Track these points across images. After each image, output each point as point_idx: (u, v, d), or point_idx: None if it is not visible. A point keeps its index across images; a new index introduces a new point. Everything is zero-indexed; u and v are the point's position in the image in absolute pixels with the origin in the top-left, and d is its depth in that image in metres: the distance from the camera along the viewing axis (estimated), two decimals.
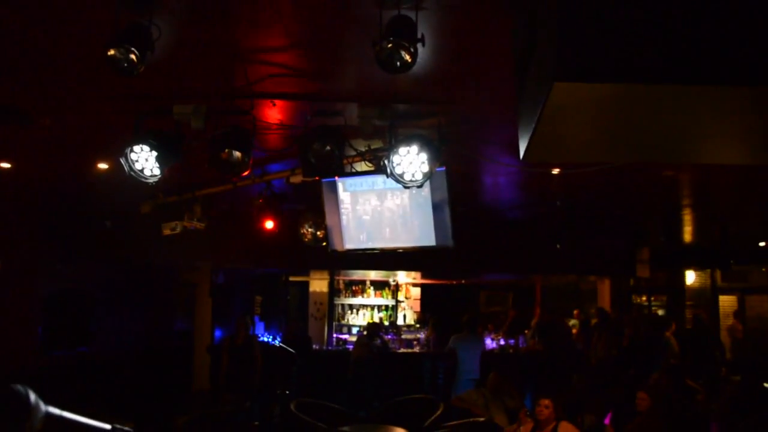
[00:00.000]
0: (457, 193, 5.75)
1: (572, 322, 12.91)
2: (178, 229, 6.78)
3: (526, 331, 12.63)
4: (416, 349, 12.38)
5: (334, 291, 14.24)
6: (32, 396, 1.23)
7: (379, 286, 14.60)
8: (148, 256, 10.68)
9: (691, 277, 14.19)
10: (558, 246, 9.90)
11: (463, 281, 15.81)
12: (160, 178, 4.42)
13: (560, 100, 2.20)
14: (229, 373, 9.03)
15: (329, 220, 5.66)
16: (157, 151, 4.26)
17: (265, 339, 12.68)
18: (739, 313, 13.16)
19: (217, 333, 12.61)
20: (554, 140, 2.58)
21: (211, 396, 10.69)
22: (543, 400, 5.98)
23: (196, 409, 10.29)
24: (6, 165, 6.43)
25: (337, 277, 14.26)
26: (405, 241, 5.34)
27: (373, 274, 14.02)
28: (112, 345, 10.73)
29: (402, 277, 14.34)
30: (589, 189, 7.15)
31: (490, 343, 11.99)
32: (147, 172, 4.37)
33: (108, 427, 1.45)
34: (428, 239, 5.19)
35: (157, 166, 4.31)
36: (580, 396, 8.22)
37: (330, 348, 13.08)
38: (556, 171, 5.93)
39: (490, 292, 16.89)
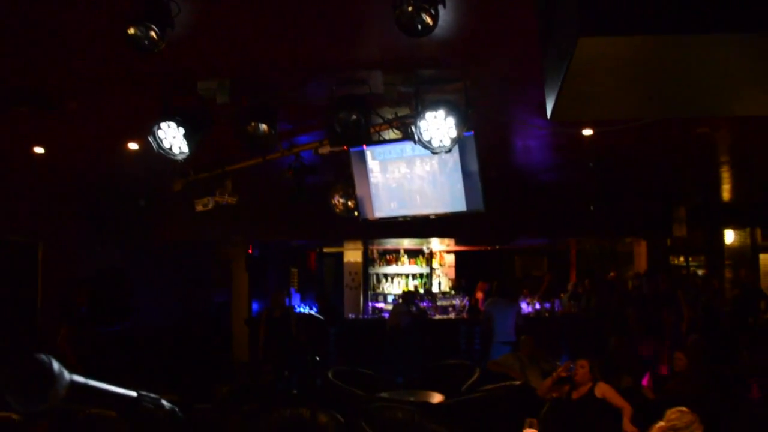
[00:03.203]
0: (488, 159, 5.69)
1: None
2: (210, 205, 6.85)
3: (561, 295, 12.58)
4: (452, 316, 12.42)
5: (368, 260, 14.32)
6: (56, 365, 1.24)
7: (413, 254, 14.63)
8: (184, 233, 10.85)
9: (730, 236, 13.89)
10: (591, 208, 9.78)
11: (497, 247, 15.74)
12: (188, 155, 4.46)
13: (586, 56, 2.14)
14: (267, 345, 9.18)
15: (359, 190, 5.65)
16: (183, 128, 4.29)
17: (302, 310, 12.85)
18: None
19: (255, 305, 12.78)
20: (582, 97, 2.52)
21: (251, 367, 10.89)
22: (579, 361, 5.96)
23: (237, 379, 10.50)
24: (40, 150, 6.54)
25: (371, 247, 14.31)
26: (435, 207, 5.31)
27: (407, 243, 14.03)
28: (154, 320, 10.96)
29: (436, 244, 14.33)
30: (622, 149, 7.01)
31: (525, 307, 11.97)
32: (175, 150, 4.42)
33: (134, 394, 1.47)
34: (459, 204, 5.15)
35: (185, 143, 4.35)
36: (617, 358, 8.16)
37: (366, 317, 13.20)
38: (588, 132, 5.82)
39: (524, 257, 16.82)
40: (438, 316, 12.30)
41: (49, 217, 8.75)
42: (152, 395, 1.49)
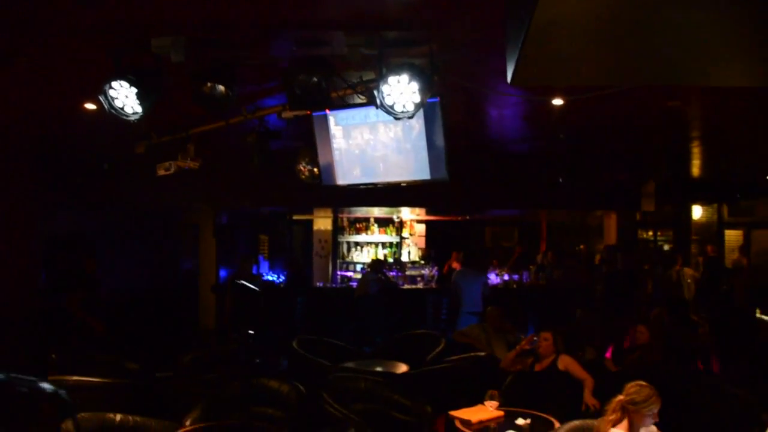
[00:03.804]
0: (457, 127, 5.55)
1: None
2: (173, 169, 6.67)
3: (530, 267, 12.61)
4: (420, 285, 12.40)
5: (337, 229, 14.21)
6: None
7: (383, 223, 14.55)
8: (149, 199, 10.64)
9: (697, 211, 14.03)
10: (560, 180, 9.74)
11: (467, 217, 15.72)
12: (142, 115, 4.28)
13: (548, 15, 2.02)
14: (233, 313, 9.09)
15: (322, 156, 5.51)
16: (136, 87, 4.10)
17: (270, 278, 12.75)
18: (745, 247, 13.04)
19: (222, 273, 12.65)
20: (544, 60, 2.39)
21: (216, 334, 10.80)
22: (543, 333, 5.98)
23: (201, 347, 10.39)
24: None
25: (341, 215, 14.20)
26: (399, 175, 5.18)
27: (377, 211, 13.94)
28: (118, 287, 10.77)
29: (406, 213, 14.26)
30: (593, 121, 6.94)
31: (494, 278, 11.98)
32: (128, 110, 4.23)
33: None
34: (423, 173, 5.03)
35: (138, 103, 4.16)
36: (581, 330, 8.20)
37: (334, 285, 13.13)
38: (558, 102, 5.72)
39: (495, 228, 16.85)
40: (406, 286, 12.28)
41: (4, 178, 8.47)
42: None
